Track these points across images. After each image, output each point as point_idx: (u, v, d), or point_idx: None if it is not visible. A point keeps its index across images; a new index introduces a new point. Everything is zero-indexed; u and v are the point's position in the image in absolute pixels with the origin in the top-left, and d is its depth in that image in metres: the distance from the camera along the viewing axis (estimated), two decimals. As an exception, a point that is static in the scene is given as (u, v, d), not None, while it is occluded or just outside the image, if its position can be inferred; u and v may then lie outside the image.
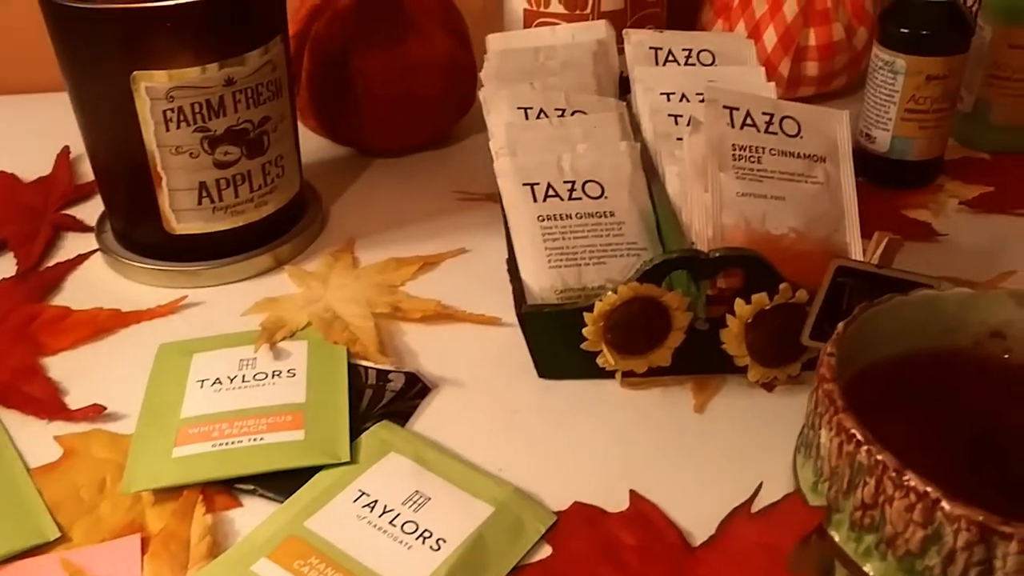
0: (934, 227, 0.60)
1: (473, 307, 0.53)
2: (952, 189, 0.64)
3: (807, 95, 0.75)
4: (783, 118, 0.50)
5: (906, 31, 0.60)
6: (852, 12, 0.71)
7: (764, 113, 0.50)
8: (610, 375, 0.48)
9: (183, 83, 0.50)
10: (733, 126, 0.49)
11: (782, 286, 0.45)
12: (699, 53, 0.62)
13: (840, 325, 0.37)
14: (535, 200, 0.50)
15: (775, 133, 0.50)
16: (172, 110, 0.51)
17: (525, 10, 0.72)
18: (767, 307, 0.45)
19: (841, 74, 0.74)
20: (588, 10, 0.70)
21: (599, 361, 0.47)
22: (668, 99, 0.58)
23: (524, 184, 0.50)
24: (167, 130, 0.51)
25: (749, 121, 0.50)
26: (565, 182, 0.51)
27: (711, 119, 0.49)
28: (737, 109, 0.50)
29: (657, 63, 0.61)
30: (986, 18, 0.66)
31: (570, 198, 0.51)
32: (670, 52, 0.61)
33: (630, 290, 0.45)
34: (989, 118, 0.67)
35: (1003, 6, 0.64)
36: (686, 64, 0.61)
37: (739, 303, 0.45)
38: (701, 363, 0.48)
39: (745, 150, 0.49)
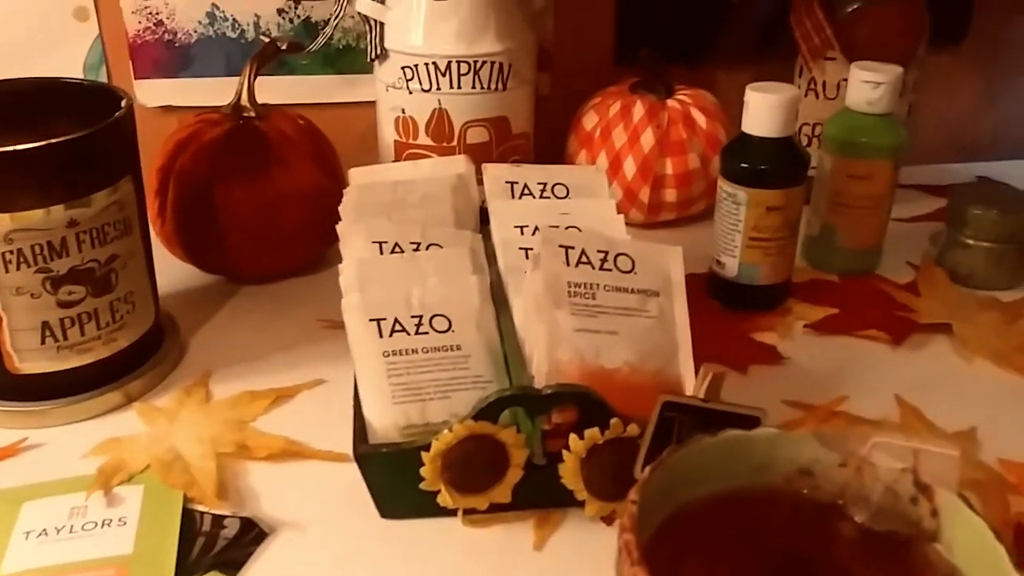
0: (779, 350, 0.62)
1: (325, 442, 0.53)
2: (800, 311, 0.67)
3: (668, 219, 0.78)
4: (618, 255, 0.52)
5: (746, 165, 0.63)
6: (706, 143, 0.75)
7: (599, 251, 0.52)
8: (453, 512, 0.48)
9: (24, 225, 0.50)
10: (568, 264, 0.51)
11: (613, 421, 0.46)
12: (554, 186, 0.64)
13: (645, 471, 0.38)
14: (381, 336, 0.51)
15: (609, 270, 0.52)
16: (12, 252, 0.50)
17: (395, 141, 0.74)
18: (600, 442, 0.46)
19: (699, 200, 0.77)
20: (455, 142, 0.73)
21: (440, 500, 0.47)
22: (521, 232, 0.60)
23: (371, 320, 0.51)
24: (6, 271, 0.51)
25: (584, 259, 0.52)
26: (412, 316, 0.52)
27: (547, 258, 0.51)
28: (572, 248, 0.52)
29: (513, 196, 0.64)
30: (826, 149, 0.70)
31: (417, 332, 0.51)
32: (525, 186, 0.64)
33: (465, 428, 0.46)
34: (835, 242, 0.71)
35: (839, 139, 0.69)
36: (541, 197, 0.64)
37: (573, 438, 0.46)
38: (543, 498, 0.48)
39: (580, 287, 0.51)
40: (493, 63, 0.71)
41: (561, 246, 0.51)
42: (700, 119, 0.76)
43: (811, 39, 0.77)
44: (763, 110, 0.62)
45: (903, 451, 0.38)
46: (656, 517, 0.38)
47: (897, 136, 0.68)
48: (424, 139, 0.73)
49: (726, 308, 0.67)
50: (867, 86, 0.67)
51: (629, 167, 0.75)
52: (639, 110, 0.75)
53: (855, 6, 0.75)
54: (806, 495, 0.40)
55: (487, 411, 0.46)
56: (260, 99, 0.70)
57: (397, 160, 0.74)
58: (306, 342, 0.63)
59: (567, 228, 0.58)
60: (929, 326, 0.64)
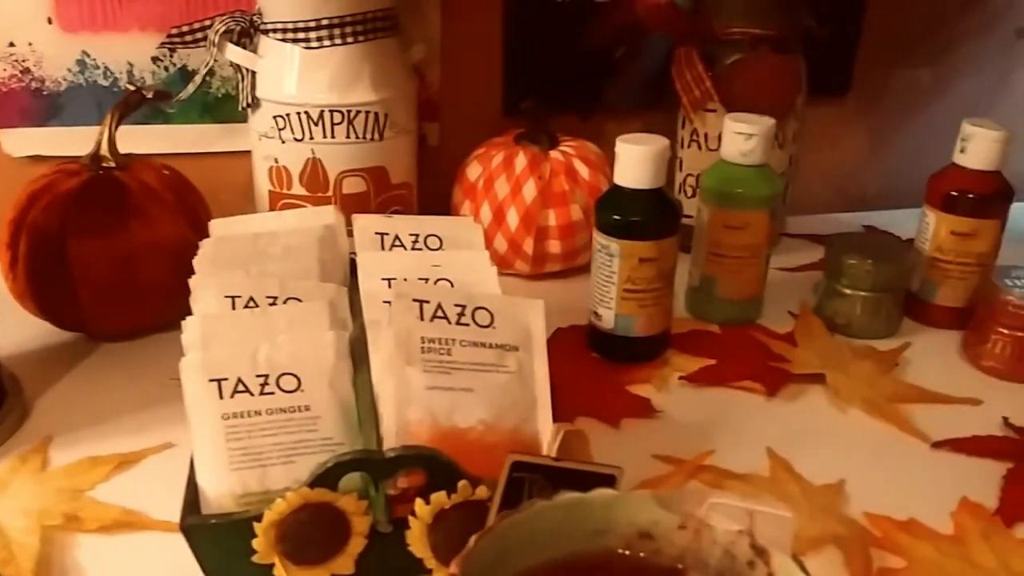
0: (653, 403, 0.61)
1: (165, 511, 0.50)
2: (677, 363, 0.66)
3: (554, 270, 0.77)
4: (476, 309, 0.51)
5: (618, 217, 0.63)
6: (589, 193, 0.75)
7: (456, 305, 0.50)
8: (294, 585, 0.45)
9: None
10: (423, 319, 0.49)
11: (460, 484, 0.44)
12: (427, 238, 0.62)
13: (472, 539, 0.36)
14: (221, 397, 0.48)
15: (467, 324, 0.50)
16: None
17: (270, 191, 0.72)
18: (447, 506, 0.44)
19: (584, 251, 0.77)
20: (330, 192, 0.71)
21: (276, 573, 0.44)
22: (389, 285, 0.58)
23: (210, 380, 0.48)
24: None
25: (440, 313, 0.50)
26: (258, 376, 0.49)
27: (399, 313, 0.49)
28: (427, 302, 0.50)
29: (383, 248, 0.62)
30: (704, 200, 0.70)
31: (262, 393, 0.49)
32: (397, 237, 0.62)
33: (299, 497, 0.43)
34: (715, 292, 0.71)
35: (715, 190, 0.69)
36: (412, 248, 0.62)
37: (419, 503, 0.44)
38: (390, 567, 0.46)
39: (434, 343, 0.49)
40: (368, 112, 0.69)
41: (415, 300, 0.50)
42: (583, 170, 0.75)
43: (691, 91, 0.77)
44: (633, 162, 0.62)
45: (740, 512, 0.36)
46: (487, 588, 0.36)
47: (772, 186, 0.68)
48: (298, 189, 0.71)
49: (606, 360, 0.66)
50: (740, 137, 0.67)
51: (512, 218, 0.74)
52: (521, 161, 0.75)
53: (733, 59, 0.76)
54: (646, 559, 0.39)
55: (325, 477, 0.43)
56: (138, 148, 0.67)
57: (272, 211, 0.72)
58: (159, 403, 0.60)
59: (437, 281, 0.57)
60: (803, 376, 0.64)
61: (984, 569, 0.48)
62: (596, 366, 0.66)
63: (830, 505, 0.52)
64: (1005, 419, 0.60)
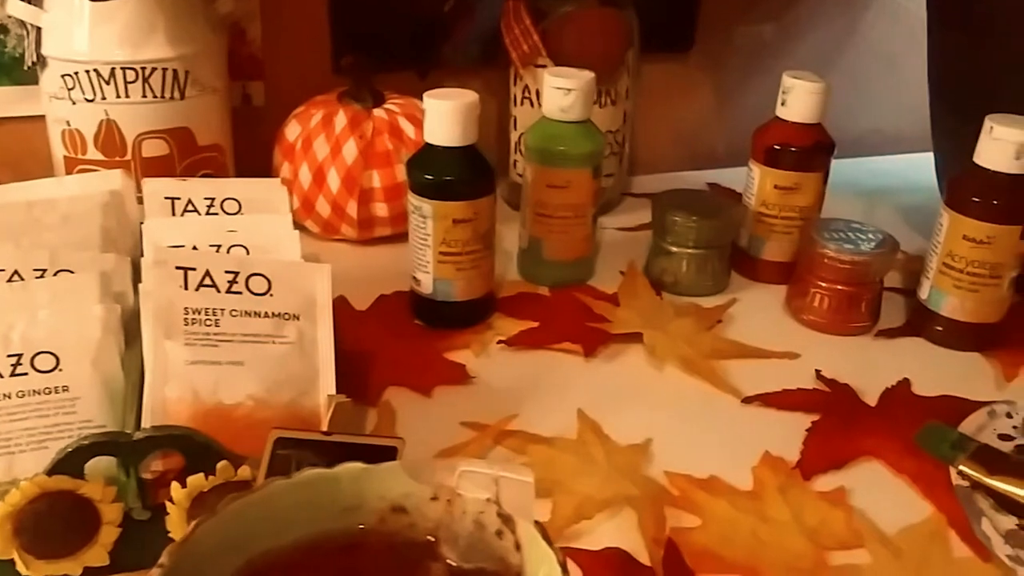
0: (469, 369, 0.59)
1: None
2: (501, 327, 0.64)
3: (384, 235, 0.74)
4: (251, 276, 0.48)
5: (430, 177, 0.60)
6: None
7: (228, 272, 0.47)
8: (46, 581, 0.41)
9: None
10: (187, 288, 0.46)
11: (220, 465, 0.41)
12: (223, 202, 0.59)
13: (191, 525, 0.33)
14: (-37, 381, 0.44)
15: (239, 292, 0.47)
16: None
17: (65, 157, 0.67)
18: (206, 489, 0.41)
19: (413, 213, 0.74)
20: (128, 156, 0.66)
21: (19, 569, 0.41)
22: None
23: (-50, 364, 0.44)
24: None
25: (208, 282, 0.46)
26: (9, 356, 0.45)
27: (159, 283, 0.45)
28: (193, 269, 0.46)
29: (175, 213, 0.58)
30: (528, 159, 0.68)
31: (13, 375, 0.45)
32: (190, 202, 0.58)
33: (35, 486, 0.39)
34: (543, 254, 0.69)
35: (537, 148, 0.67)
36: (208, 213, 0.58)
37: (175, 487, 0.41)
38: (151, 556, 0.42)
39: (200, 313, 0.46)
40: (165, 69, 0.65)
41: (179, 268, 0.46)
42: (409, 129, 0.72)
43: (520, 45, 0.75)
44: (441, 118, 0.59)
45: (487, 480, 0.35)
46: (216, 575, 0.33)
47: (594, 143, 0.67)
48: (94, 153, 0.66)
49: (428, 327, 0.64)
50: (559, 93, 0.65)
51: (333, 180, 0.71)
52: (341, 119, 0.71)
53: (561, 12, 0.74)
54: (399, 534, 0.36)
55: (66, 463, 0.40)
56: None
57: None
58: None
59: (231, 248, 0.54)
60: (622, 336, 0.63)
61: (776, 523, 0.47)
62: (416, 334, 0.63)
63: (631, 466, 0.51)
64: (818, 372, 0.60)
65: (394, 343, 0.62)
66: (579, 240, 0.69)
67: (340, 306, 0.65)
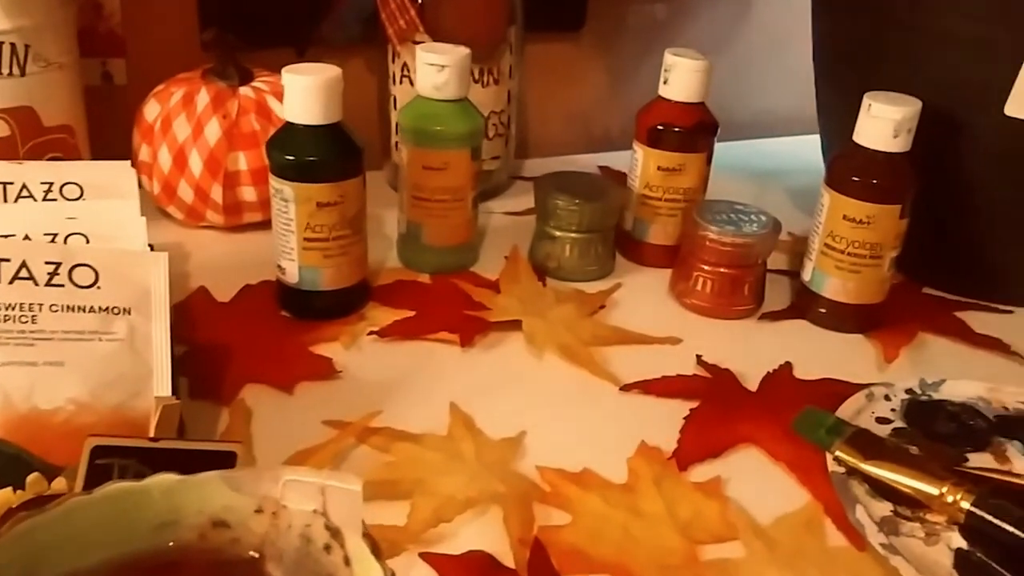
0: (336, 363, 0.56)
1: None
2: (375, 317, 0.61)
3: (254, 221, 0.70)
4: (75, 267, 0.43)
5: (291, 158, 0.56)
6: (284, 134, 0.68)
7: (48, 263, 0.43)
8: None
9: None
10: (0, 281, 0.41)
11: (30, 478, 0.37)
12: (63, 187, 0.54)
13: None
14: None
15: (61, 285, 0.42)
16: None
17: None
18: (15, 504, 0.37)
19: (285, 198, 0.70)
20: (-40, 137, 0.60)
21: None
22: (7, 242, 0.49)
23: None
24: None
25: (24, 274, 0.42)
26: None
27: (-37, 275, 0.41)
28: (7, 260, 0.42)
29: (6, 200, 0.53)
30: (403, 140, 0.65)
31: None
32: (25, 186, 0.53)
33: None
34: (422, 239, 0.66)
35: (412, 128, 0.63)
36: (45, 199, 0.53)
37: (-21, 503, 0.36)
38: (-43, 580, 0.38)
39: (14, 309, 0.41)
40: (2, 43, 0.59)
41: (-11, 259, 0.41)
42: (278, 108, 0.68)
43: (396, 20, 0.71)
44: (301, 94, 0.55)
45: (314, 489, 0.31)
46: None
47: (471, 123, 0.64)
48: (-81, 135, 0.60)
49: (295, 319, 0.60)
50: (432, 69, 0.62)
51: (195, 163, 0.66)
52: (203, 98, 0.66)
53: (439, -14, 0.71)
54: (220, 551, 0.33)
55: None
56: None
57: None
58: None
59: (68, 236, 0.49)
60: (501, 324, 0.60)
61: (649, 517, 0.45)
62: (282, 326, 0.59)
63: (502, 461, 0.48)
64: (699, 357, 0.59)
65: (256, 337, 0.58)
66: (460, 225, 0.66)
67: (200, 298, 0.61)
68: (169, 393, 0.43)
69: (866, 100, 0.58)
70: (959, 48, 0.60)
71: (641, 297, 0.66)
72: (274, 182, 0.57)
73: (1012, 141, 0.60)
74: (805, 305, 0.64)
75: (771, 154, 0.95)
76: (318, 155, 0.56)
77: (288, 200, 0.57)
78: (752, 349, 0.60)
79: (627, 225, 0.70)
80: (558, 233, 0.66)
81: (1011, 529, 0.43)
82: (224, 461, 0.39)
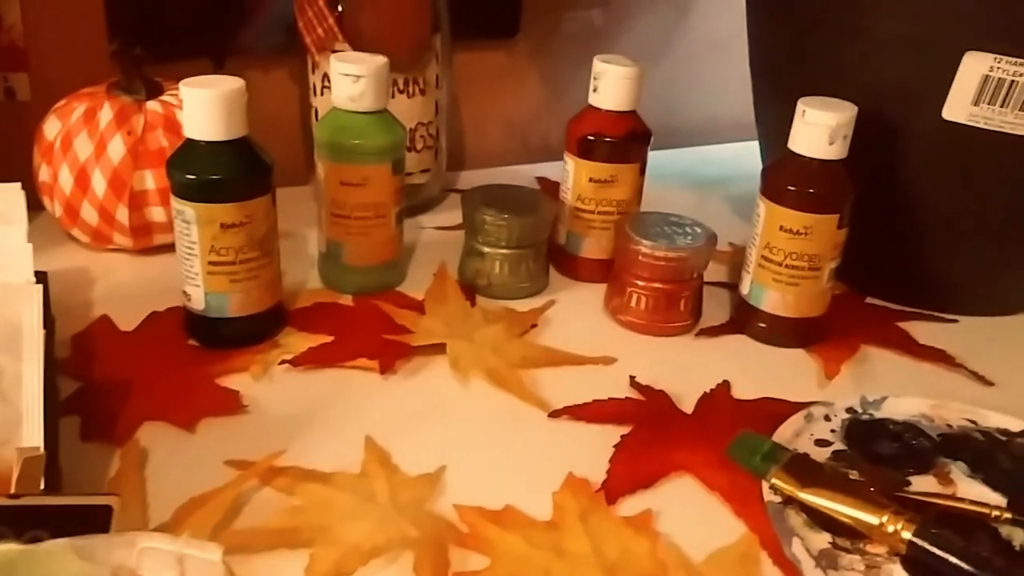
0: (244, 396, 0.52)
1: None
2: (289, 344, 0.57)
3: (167, 243, 0.66)
4: (-69, 303, 0.39)
5: (192, 177, 0.52)
6: (195, 151, 0.64)
7: (-101, 300, 0.38)
8: None
9: None
10: None
11: None
12: (-60, 212, 0.50)
13: None
14: None
15: (-86, 325, 0.38)
16: None
17: None
18: None
19: (198, 218, 0.66)
20: None
21: None
22: None
23: None
24: None
25: None
26: None
27: None
28: None
29: None
30: (319, 156, 0.61)
31: None
32: None
33: None
34: (343, 259, 0.62)
35: (328, 142, 0.60)
36: (-81, 226, 0.49)
37: None
38: None
39: None
40: None
41: None
42: (188, 123, 0.64)
43: (314, 29, 0.68)
44: (200, 108, 0.51)
45: (172, 558, 0.28)
46: None
47: (391, 136, 0.60)
48: None
49: (203, 348, 0.56)
50: (347, 80, 0.58)
51: (99, 183, 0.62)
52: (107, 114, 0.62)
53: (356, -8, 0.67)
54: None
55: None
56: None
57: None
58: None
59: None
60: (424, 348, 0.57)
61: (573, 557, 0.42)
62: (188, 357, 0.55)
63: (417, 501, 0.45)
64: (632, 378, 0.56)
65: (160, 369, 0.54)
66: (382, 243, 0.63)
67: (102, 327, 0.57)
68: (41, 441, 0.39)
69: (800, 106, 0.56)
70: (895, 51, 0.58)
71: (575, 314, 0.63)
72: (175, 203, 0.53)
73: (951, 145, 0.58)
74: (744, 320, 0.61)
75: (714, 161, 0.93)
76: (221, 173, 0.52)
77: (190, 222, 0.53)
78: (689, 368, 0.57)
79: (561, 239, 0.67)
80: (487, 249, 0.63)
81: (954, 560, 0.40)
82: (98, 517, 0.35)
